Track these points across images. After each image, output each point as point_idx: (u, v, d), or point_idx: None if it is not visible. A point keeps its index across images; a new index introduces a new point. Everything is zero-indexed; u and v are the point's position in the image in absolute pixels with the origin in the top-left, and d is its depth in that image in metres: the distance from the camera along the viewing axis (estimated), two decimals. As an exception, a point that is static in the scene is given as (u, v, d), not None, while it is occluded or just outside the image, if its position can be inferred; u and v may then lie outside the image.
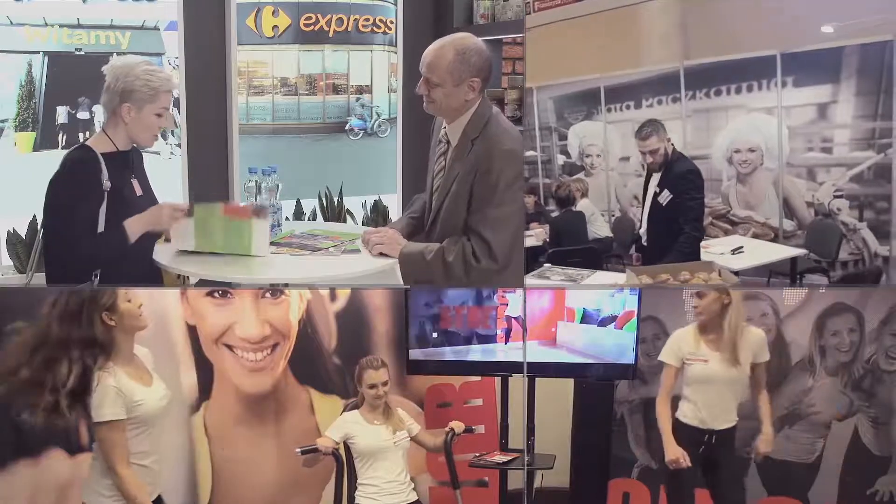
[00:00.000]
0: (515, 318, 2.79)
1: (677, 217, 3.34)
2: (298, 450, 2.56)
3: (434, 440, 2.68)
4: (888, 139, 3.02)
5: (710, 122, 3.64)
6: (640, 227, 3.59)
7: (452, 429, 2.67)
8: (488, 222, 2.74)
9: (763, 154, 3.70)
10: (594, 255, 3.84)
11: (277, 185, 3.23)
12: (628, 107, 3.76)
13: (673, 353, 2.66)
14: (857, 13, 3.02)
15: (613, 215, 4.15)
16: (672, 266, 3.06)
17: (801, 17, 3.20)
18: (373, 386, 2.57)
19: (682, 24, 3.61)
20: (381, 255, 2.93)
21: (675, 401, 2.71)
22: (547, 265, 3.49)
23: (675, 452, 2.62)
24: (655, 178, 3.45)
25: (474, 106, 2.81)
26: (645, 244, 3.54)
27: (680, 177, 3.38)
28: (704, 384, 2.61)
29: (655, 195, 3.45)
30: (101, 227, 2.73)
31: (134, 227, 2.74)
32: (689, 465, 2.61)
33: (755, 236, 3.74)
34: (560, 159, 4.31)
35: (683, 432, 2.64)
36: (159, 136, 2.95)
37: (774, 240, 3.69)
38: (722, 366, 2.60)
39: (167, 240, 3.07)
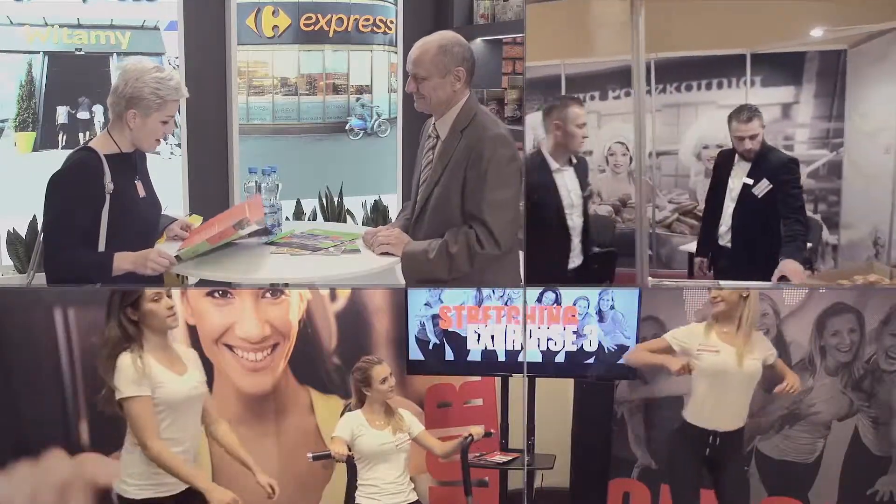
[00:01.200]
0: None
1: (774, 209, 3.14)
2: (310, 455, 2.53)
3: (442, 447, 2.61)
4: (840, 139, 3.16)
5: (680, 118, 3.61)
6: (721, 225, 3.35)
7: (471, 434, 2.60)
8: (487, 206, 2.75)
9: (733, 151, 3.67)
10: (612, 258, 3.69)
11: (277, 185, 3.23)
12: (592, 97, 3.70)
13: (678, 340, 2.60)
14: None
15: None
16: (840, 272, 2.96)
17: (771, 17, 3.23)
18: (384, 379, 2.53)
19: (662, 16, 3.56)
20: (384, 254, 2.93)
21: (681, 401, 2.70)
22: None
23: (676, 363, 2.56)
24: (741, 167, 3.25)
25: (463, 99, 2.86)
26: (728, 244, 3.29)
27: (782, 165, 3.18)
28: (715, 378, 2.54)
29: (746, 187, 3.23)
30: (103, 229, 2.72)
31: (120, 262, 2.70)
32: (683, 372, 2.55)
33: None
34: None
35: (688, 432, 2.60)
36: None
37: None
38: (734, 359, 2.54)
39: (168, 239, 3.08)
